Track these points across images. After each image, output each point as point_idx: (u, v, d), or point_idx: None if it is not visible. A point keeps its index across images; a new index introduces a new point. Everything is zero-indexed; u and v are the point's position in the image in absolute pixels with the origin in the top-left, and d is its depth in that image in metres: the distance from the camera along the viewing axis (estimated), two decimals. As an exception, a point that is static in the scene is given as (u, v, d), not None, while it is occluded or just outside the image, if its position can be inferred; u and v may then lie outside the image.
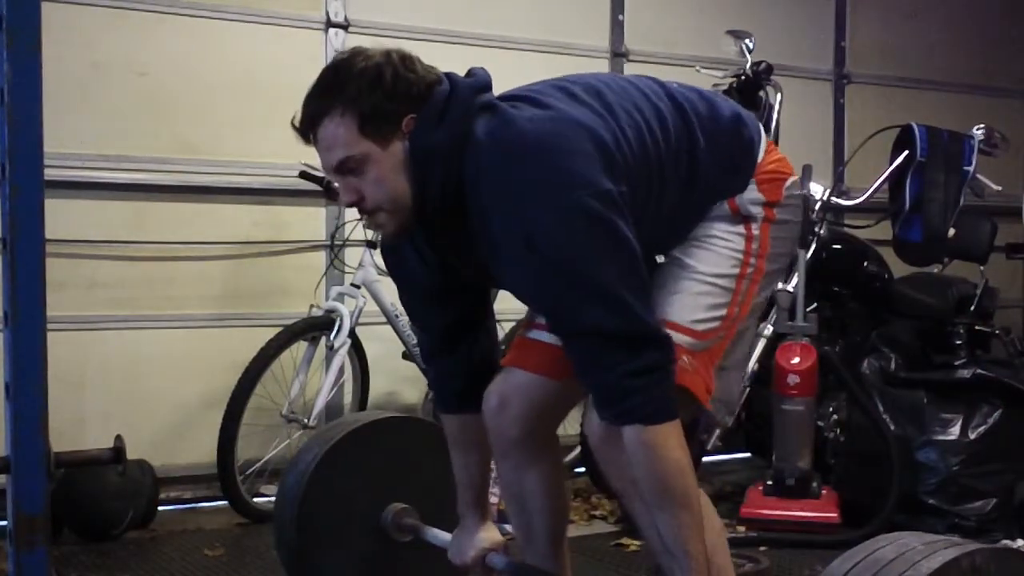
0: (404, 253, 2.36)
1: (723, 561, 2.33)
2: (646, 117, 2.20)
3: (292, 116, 2.16)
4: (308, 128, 2.16)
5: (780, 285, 3.98)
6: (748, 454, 4.68)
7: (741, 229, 2.27)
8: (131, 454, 3.03)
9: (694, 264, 2.25)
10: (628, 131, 2.15)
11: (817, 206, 4.20)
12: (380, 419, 3.09)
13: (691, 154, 2.23)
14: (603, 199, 2.03)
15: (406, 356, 4.44)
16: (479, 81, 2.18)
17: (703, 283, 2.24)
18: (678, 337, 2.16)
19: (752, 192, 2.28)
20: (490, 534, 2.56)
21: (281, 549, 2.95)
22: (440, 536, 2.71)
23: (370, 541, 2.85)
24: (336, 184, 2.21)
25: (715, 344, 2.25)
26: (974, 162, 4.38)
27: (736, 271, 2.26)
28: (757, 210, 2.28)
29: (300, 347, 4.28)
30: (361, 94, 2.07)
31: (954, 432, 4.10)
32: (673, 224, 2.26)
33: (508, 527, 4.03)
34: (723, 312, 2.25)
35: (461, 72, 2.22)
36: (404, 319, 4.39)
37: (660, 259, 2.32)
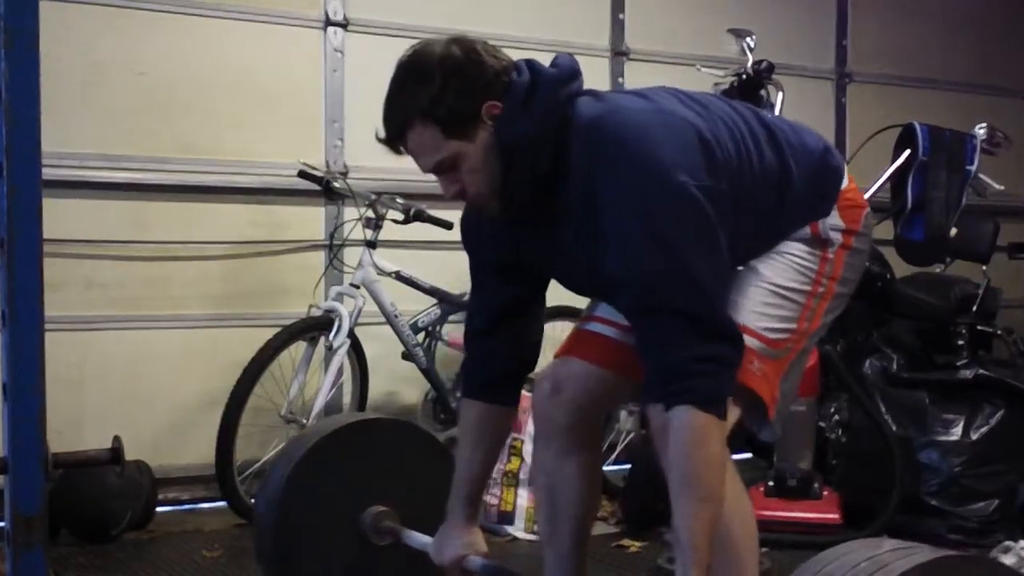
0: (480, 224, 2.39)
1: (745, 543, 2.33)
2: (743, 133, 2.25)
3: (375, 131, 2.21)
4: (396, 141, 2.19)
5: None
6: (749, 455, 4.67)
7: (818, 251, 2.32)
8: (129, 455, 3.02)
9: (768, 274, 2.28)
10: (727, 142, 2.20)
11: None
12: (359, 421, 3.06)
13: (782, 176, 2.28)
14: (706, 192, 2.08)
15: (405, 356, 4.43)
16: (564, 70, 2.21)
17: (775, 293, 2.27)
18: (749, 341, 2.19)
19: (834, 218, 2.33)
20: (473, 538, 2.54)
21: (261, 554, 2.91)
22: (419, 539, 2.68)
23: (349, 544, 2.82)
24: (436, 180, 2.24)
25: (783, 356, 2.28)
26: (976, 161, 4.38)
27: (808, 288, 2.31)
28: (836, 236, 2.33)
29: (299, 347, 4.26)
30: (434, 102, 2.11)
31: (956, 433, 4.09)
32: (756, 240, 2.30)
33: (508, 528, 4.04)
34: (793, 325, 2.29)
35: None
36: (403, 319, 4.38)
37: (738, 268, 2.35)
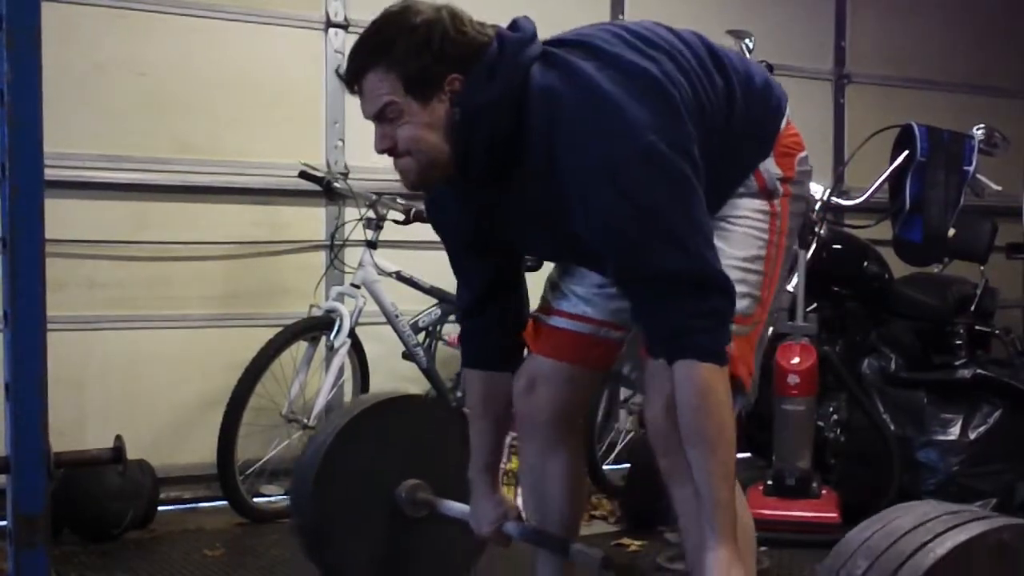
0: (446, 204, 2.38)
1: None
2: (692, 64, 2.22)
3: (338, 66, 2.19)
4: (353, 80, 2.17)
5: (783, 288, 3.98)
6: (748, 454, 4.68)
7: (766, 206, 2.29)
8: (131, 454, 3.03)
9: (729, 250, 2.25)
10: (681, 79, 2.17)
11: (817, 206, 4.20)
12: (394, 397, 3.11)
13: (730, 102, 2.25)
14: (674, 146, 2.06)
15: (406, 356, 4.44)
16: (526, 34, 2.20)
17: (739, 269, 2.24)
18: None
19: (771, 164, 2.30)
20: (503, 505, 2.58)
21: (298, 528, 2.95)
22: (456, 508, 2.72)
23: (385, 517, 2.85)
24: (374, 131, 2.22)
25: (753, 330, 2.29)
26: (974, 162, 4.37)
27: (764, 252, 2.29)
28: (777, 185, 2.30)
29: (300, 347, 4.27)
30: (408, 56, 2.09)
31: (954, 432, 4.10)
32: (716, 184, 2.25)
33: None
34: (758, 293, 2.29)
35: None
36: (404, 319, 4.39)
37: None
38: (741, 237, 2.27)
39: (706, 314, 2.07)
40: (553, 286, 2.53)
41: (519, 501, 4.04)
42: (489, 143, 2.14)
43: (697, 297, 2.06)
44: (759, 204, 2.29)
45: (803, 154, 2.38)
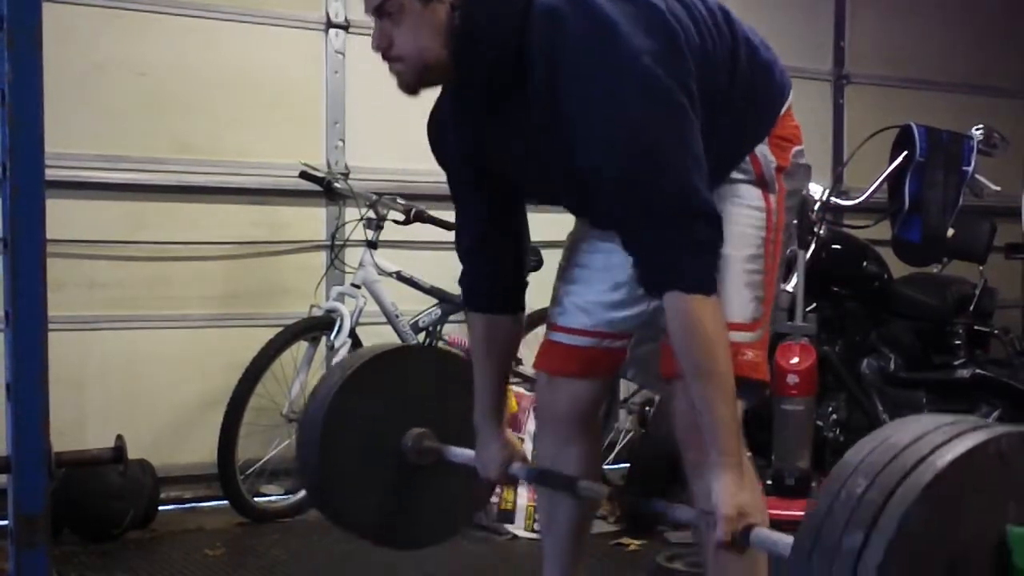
0: (444, 134, 2.37)
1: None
2: (704, 16, 2.23)
3: None
4: None
5: (780, 285, 3.98)
6: (747, 454, 4.68)
7: (762, 202, 2.29)
8: (132, 454, 3.05)
9: (734, 254, 2.23)
10: (690, 24, 2.18)
11: (816, 206, 4.20)
12: (397, 348, 3.12)
13: (734, 67, 2.25)
14: (674, 78, 2.07)
15: (406, 356, 4.44)
16: None
17: (744, 272, 2.25)
18: (740, 335, 2.20)
19: (768, 151, 2.30)
20: (509, 448, 2.57)
21: (305, 478, 2.93)
22: (462, 454, 2.70)
23: (391, 467, 2.83)
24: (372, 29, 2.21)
25: (765, 330, 2.30)
26: (973, 162, 4.37)
27: (762, 250, 2.29)
28: (774, 176, 2.30)
29: (300, 347, 4.28)
30: None
31: (954, 432, 4.10)
32: (717, 156, 2.24)
33: (508, 527, 4.05)
34: (762, 294, 2.29)
35: None
36: (404, 319, 4.39)
37: None
38: (739, 235, 2.25)
39: (694, 244, 2.07)
40: (553, 300, 2.54)
41: (520, 501, 4.07)
42: (488, 56, 2.13)
43: (686, 227, 2.06)
44: (755, 197, 2.29)
45: (800, 147, 2.38)
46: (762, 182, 2.29)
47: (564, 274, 2.52)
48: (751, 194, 2.28)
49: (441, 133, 2.39)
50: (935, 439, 1.59)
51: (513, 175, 2.36)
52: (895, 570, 1.51)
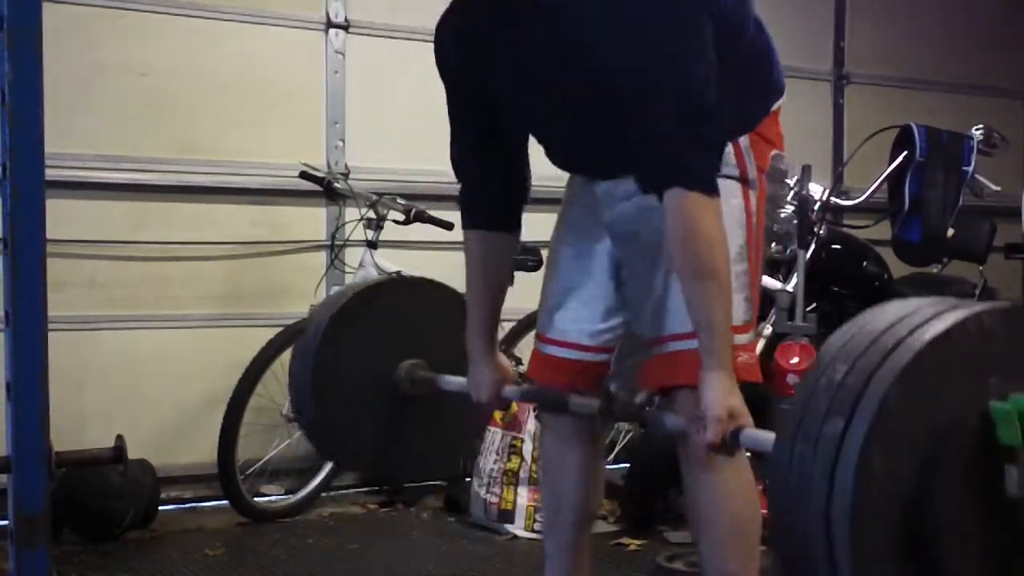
0: (447, 47, 2.36)
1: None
2: None
3: None
4: None
5: (779, 285, 3.98)
6: (747, 454, 4.68)
7: (742, 201, 2.30)
8: (132, 454, 3.04)
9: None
10: None
11: (816, 206, 4.20)
12: (387, 280, 3.08)
13: (740, 32, 2.27)
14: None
15: (406, 356, 4.44)
16: None
17: (733, 273, 2.23)
18: (737, 338, 2.20)
19: (748, 145, 2.31)
20: (501, 371, 2.56)
21: (300, 413, 2.93)
22: (455, 381, 2.69)
23: (385, 399, 2.82)
24: None
25: (757, 334, 2.31)
26: (973, 162, 4.38)
27: (747, 250, 2.30)
28: (754, 174, 2.31)
29: (300, 347, 4.28)
30: None
31: (953, 432, 4.10)
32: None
33: (508, 527, 4.05)
34: (750, 294, 2.31)
35: None
36: (404, 319, 4.39)
37: None
38: (726, 230, 2.24)
39: (700, 141, 2.09)
40: (540, 312, 2.54)
41: (520, 501, 4.07)
42: None
43: (695, 123, 2.08)
44: (738, 194, 2.29)
45: (779, 153, 2.41)
46: (745, 179, 2.30)
47: (546, 285, 2.53)
48: (735, 190, 2.29)
49: (447, 45, 2.38)
50: (914, 320, 1.57)
51: (513, 96, 2.33)
52: (877, 453, 1.49)
